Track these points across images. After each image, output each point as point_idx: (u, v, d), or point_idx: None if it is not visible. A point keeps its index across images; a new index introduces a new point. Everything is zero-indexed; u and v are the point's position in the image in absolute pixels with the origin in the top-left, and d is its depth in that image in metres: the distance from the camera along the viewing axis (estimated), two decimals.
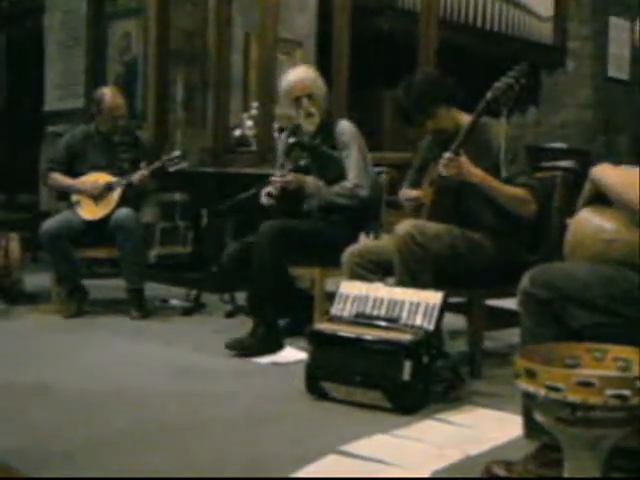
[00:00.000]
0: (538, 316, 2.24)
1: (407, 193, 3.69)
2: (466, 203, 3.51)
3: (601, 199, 2.29)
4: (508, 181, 3.44)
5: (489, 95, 3.39)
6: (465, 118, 3.56)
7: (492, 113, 3.48)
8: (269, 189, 4.28)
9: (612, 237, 2.21)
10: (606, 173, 2.30)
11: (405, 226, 3.36)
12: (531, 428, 2.29)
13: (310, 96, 4.27)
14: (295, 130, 4.46)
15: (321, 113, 4.30)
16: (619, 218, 2.23)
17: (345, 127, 4.29)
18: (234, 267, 4.19)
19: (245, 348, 3.90)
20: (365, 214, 4.29)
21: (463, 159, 3.39)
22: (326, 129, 4.30)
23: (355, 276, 3.50)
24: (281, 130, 6.47)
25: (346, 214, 4.20)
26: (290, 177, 4.22)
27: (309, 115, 4.29)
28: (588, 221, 2.28)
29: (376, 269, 3.53)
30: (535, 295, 2.24)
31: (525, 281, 2.28)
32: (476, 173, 3.41)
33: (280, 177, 4.24)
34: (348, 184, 4.17)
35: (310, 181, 4.21)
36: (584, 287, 2.18)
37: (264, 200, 4.29)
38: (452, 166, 3.39)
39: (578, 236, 2.30)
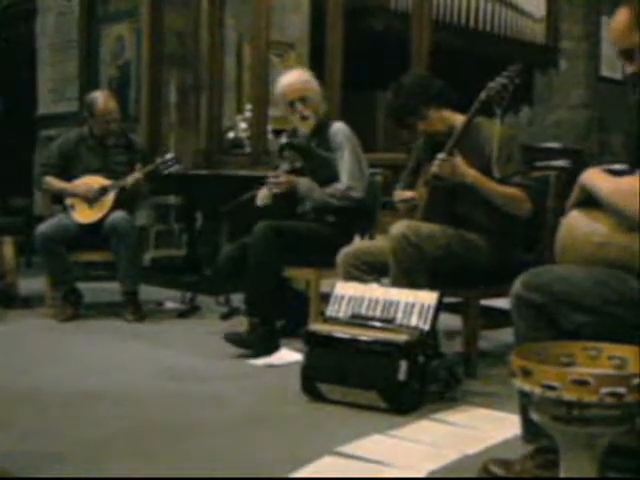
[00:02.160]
0: (532, 320, 2.23)
1: (401, 194, 3.69)
2: (460, 203, 3.52)
3: (592, 201, 2.28)
4: (503, 181, 3.44)
5: (483, 95, 3.40)
6: (458, 118, 3.57)
7: (486, 113, 3.48)
8: (264, 190, 4.28)
9: (604, 240, 2.19)
10: (598, 182, 2.24)
11: (399, 227, 3.36)
12: (529, 432, 2.29)
13: (303, 99, 4.26)
14: (293, 133, 4.46)
15: (316, 115, 4.30)
16: (611, 220, 2.21)
17: (339, 128, 4.28)
18: (230, 268, 4.19)
19: (244, 342, 3.90)
20: (360, 215, 4.28)
21: (457, 159, 3.39)
22: (321, 131, 4.29)
23: (350, 277, 3.50)
24: (275, 132, 6.49)
25: (341, 215, 4.20)
26: (282, 179, 4.22)
27: (304, 118, 4.29)
28: (579, 222, 2.26)
29: (371, 270, 3.53)
30: (528, 299, 2.23)
31: (517, 285, 2.28)
32: (470, 173, 3.41)
33: (273, 178, 4.25)
34: (341, 186, 4.17)
35: (303, 182, 4.21)
36: (579, 290, 2.17)
37: (259, 201, 4.29)
38: (446, 166, 3.40)
39: (569, 237, 2.29)
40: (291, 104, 4.28)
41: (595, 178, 2.25)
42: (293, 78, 4.34)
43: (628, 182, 2.16)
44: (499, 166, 3.42)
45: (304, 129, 4.33)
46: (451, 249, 3.41)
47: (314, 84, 4.35)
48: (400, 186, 3.79)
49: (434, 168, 3.43)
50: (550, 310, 2.20)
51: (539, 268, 2.31)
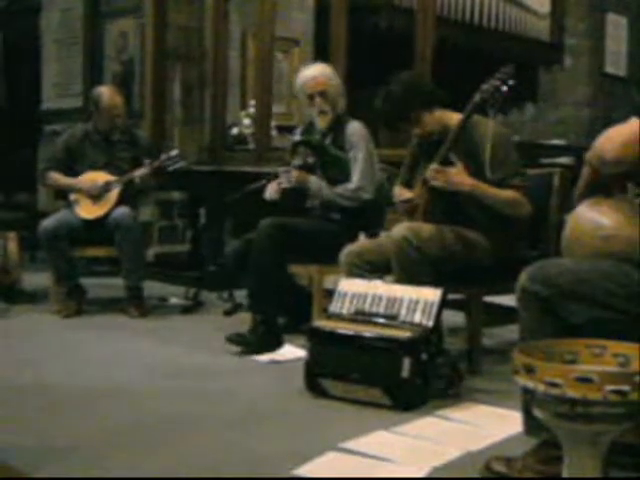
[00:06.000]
0: (537, 313, 2.24)
1: (401, 194, 3.67)
2: (460, 202, 3.50)
3: (599, 190, 2.29)
4: (500, 183, 3.42)
5: (477, 97, 3.38)
6: (452, 117, 3.54)
7: (479, 115, 3.47)
8: (274, 185, 4.27)
9: (610, 233, 2.21)
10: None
11: (400, 230, 3.35)
12: (531, 425, 2.29)
13: (323, 94, 4.25)
14: (308, 127, 4.45)
15: (334, 111, 4.29)
16: (617, 213, 2.22)
17: (355, 128, 4.26)
18: (236, 264, 4.18)
19: (246, 343, 3.90)
20: (366, 214, 4.26)
21: (452, 170, 3.37)
22: (337, 128, 4.28)
23: (353, 276, 3.49)
24: (279, 128, 6.49)
25: (346, 213, 4.19)
26: (293, 175, 4.21)
27: (322, 113, 4.28)
28: (585, 217, 2.28)
29: (374, 269, 3.52)
30: (533, 292, 2.24)
31: (523, 278, 2.28)
32: (466, 182, 3.38)
33: (284, 174, 4.24)
34: (351, 186, 4.16)
35: (313, 180, 4.20)
36: (583, 283, 2.18)
37: (268, 195, 4.29)
38: (439, 177, 3.38)
39: (575, 232, 2.30)
40: (310, 97, 4.27)
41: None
42: (316, 72, 4.32)
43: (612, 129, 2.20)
44: (494, 167, 3.40)
45: (321, 124, 4.32)
46: (453, 249, 3.40)
47: (336, 80, 4.34)
48: (398, 183, 3.78)
49: (428, 177, 3.42)
50: (555, 303, 2.20)
51: (545, 261, 2.32)
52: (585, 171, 2.34)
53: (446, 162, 3.40)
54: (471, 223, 3.50)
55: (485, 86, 3.38)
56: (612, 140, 2.16)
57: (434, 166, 3.39)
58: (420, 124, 3.57)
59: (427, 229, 3.38)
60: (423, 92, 3.59)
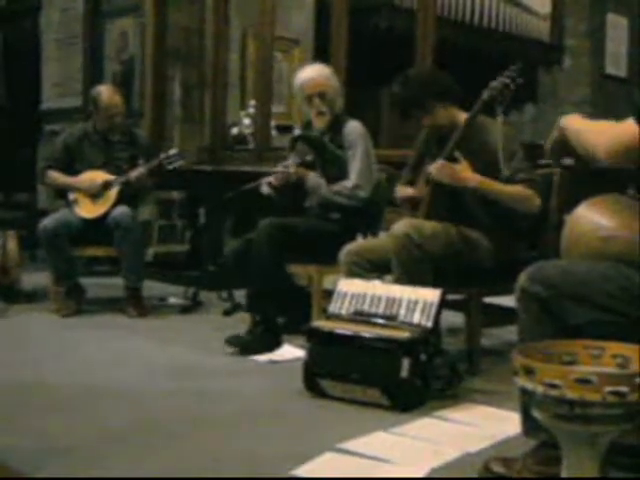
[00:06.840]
0: (536, 313, 2.24)
1: (403, 191, 3.68)
2: (463, 201, 3.51)
3: (568, 152, 2.32)
4: (508, 180, 3.42)
5: (485, 95, 3.39)
6: (461, 116, 3.56)
7: (487, 113, 3.47)
8: (270, 179, 4.27)
9: (609, 234, 2.20)
10: (575, 121, 2.32)
11: (402, 226, 3.35)
12: (529, 426, 2.29)
13: (322, 95, 4.25)
14: (307, 126, 4.45)
15: (332, 111, 4.29)
16: (617, 214, 2.22)
17: (354, 127, 4.26)
18: (236, 264, 4.18)
19: (244, 344, 3.90)
20: (365, 214, 4.26)
21: (458, 166, 3.38)
22: (335, 127, 4.28)
23: (352, 275, 3.49)
24: (279, 128, 6.49)
25: (345, 213, 4.19)
26: (292, 169, 4.21)
27: (320, 114, 4.27)
28: (585, 218, 2.27)
29: (374, 268, 3.53)
30: (533, 292, 2.23)
31: (522, 278, 2.28)
32: (472, 178, 3.38)
33: (282, 168, 4.24)
34: (348, 184, 4.16)
35: (311, 177, 4.20)
36: (582, 284, 2.17)
37: (264, 189, 4.28)
38: (444, 172, 3.38)
39: (575, 233, 2.30)
40: (309, 98, 4.26)
41: (574, 118, 2.33)
42: (314, 73, 4.32)
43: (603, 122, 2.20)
44: (505, 165, 3.40)
45: (319, 124, 4.31)
46: (454, 248, 3.40)
47: (334, 80, 4.33)
48: (402, 181, 3.79)
49: (433, 172, 3.42)
50: (554, 304, 2.20)
51: (545, 262, 2.32)
52: (554, 135, 2.37)
53: (451, 159, 3.40)
54: (474, 222, 3.50)
55: (494, 83, 3.38)
56: (609, 138, 2.15)
57: (440, 161, 3.39)
58: (432, 115, 3.58)
59: (429, 226, 3.38)
60: (441, 83, 3.60)
